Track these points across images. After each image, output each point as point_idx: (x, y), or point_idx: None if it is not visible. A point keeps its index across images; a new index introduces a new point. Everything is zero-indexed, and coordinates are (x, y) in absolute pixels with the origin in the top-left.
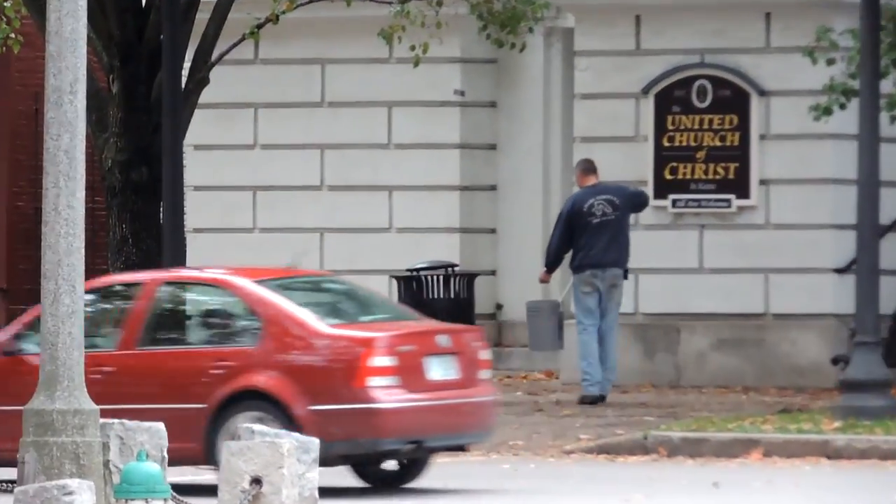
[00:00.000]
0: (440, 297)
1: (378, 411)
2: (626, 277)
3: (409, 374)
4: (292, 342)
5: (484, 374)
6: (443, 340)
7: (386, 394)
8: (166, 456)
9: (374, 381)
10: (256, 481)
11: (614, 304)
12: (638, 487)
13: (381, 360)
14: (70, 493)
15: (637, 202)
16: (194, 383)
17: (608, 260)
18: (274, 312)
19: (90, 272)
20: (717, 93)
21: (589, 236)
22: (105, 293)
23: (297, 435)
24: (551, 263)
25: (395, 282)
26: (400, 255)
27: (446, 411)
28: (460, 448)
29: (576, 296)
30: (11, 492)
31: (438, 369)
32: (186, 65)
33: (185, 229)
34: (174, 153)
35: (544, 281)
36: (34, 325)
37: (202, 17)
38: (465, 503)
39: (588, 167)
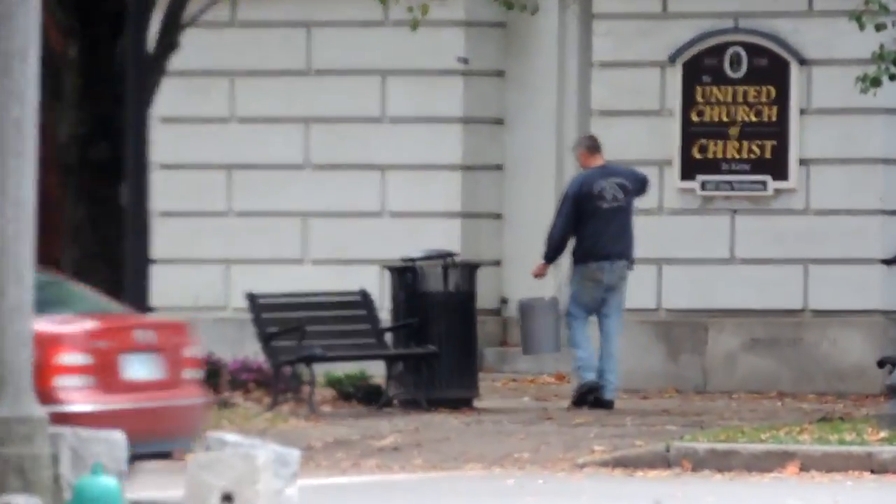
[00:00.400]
0: (438, 290)
1: (67, 415)
2: (631, 269)
3: (103, 373)
4: None
5: (192, 373)
6: (144, 336)
7: (76, 395)
8: (126, 469)
9: (62, 382)
10: (227, 498)
11: (622, 300)
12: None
13: (71, 358)
14: None
15: (644, 188)
16: None
17: (617, 251)
18: None
19: (41, 261)
20: (753, 62)
21: (597, 223)
22: None
23: (275, 446)
24: (553, 254)
25: (387, 273)
26: (394, 244)
27: (146, 415)
28: (164, 455)
29: (576, 289)
30: None
31: (138, 368)
32: (154, 27)
33: (151, 213)
34: (139, 127)
35: (540, 274)
36: None
37: None
38: None
39: (593, 145)
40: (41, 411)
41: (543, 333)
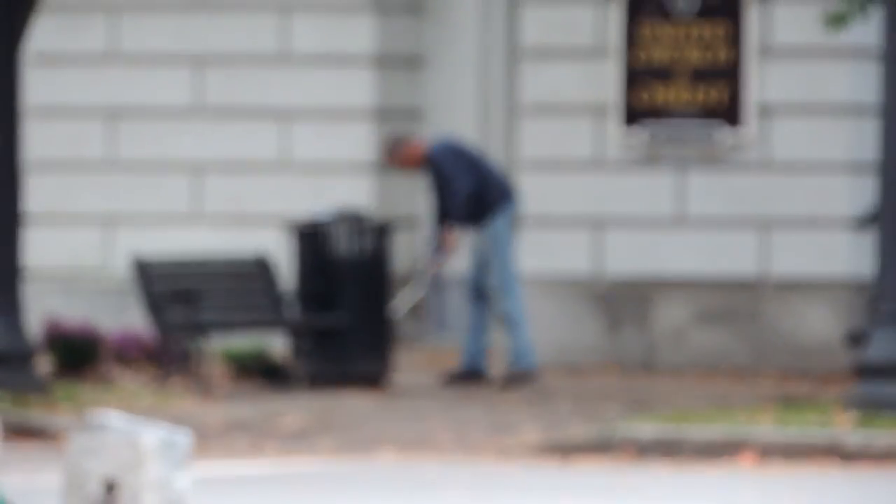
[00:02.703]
0: (347, 253)
1: None
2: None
3: None
4: None
5: None
6: None
7: None
8: None
9: None
10: (110, 487)
11: None
12: (595, 498)
13: None
14: None
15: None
16: None
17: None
18: None
19: None
20: None
21: (488, 168)
22: None
23: (163, 429)
24: (464, 217)
25: (290, 234)
26: (298, 200)
27: None
28: None
29: (503, 241)
30: None
31: None
32: None
33: (23, 163)
34: (8, 66)
35: (449, 248)
36: None
37: None
38: None
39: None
40: None
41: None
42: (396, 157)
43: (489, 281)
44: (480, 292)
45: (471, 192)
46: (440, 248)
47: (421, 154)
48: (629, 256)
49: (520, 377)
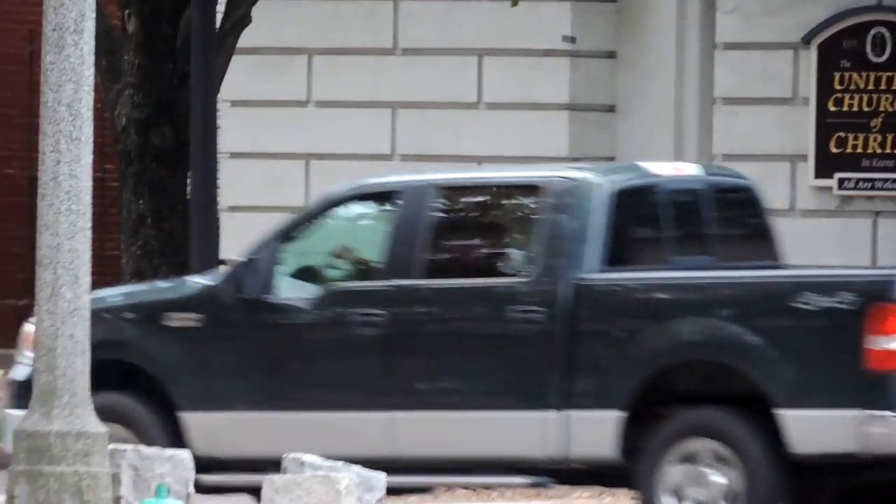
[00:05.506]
0: None
1: None
2: None
3: None
4: None
5: None
6: None
7: None
8: (192, 491)
9: None
10: None
11: None
12: None
13: None
14: None
15: None
16: None
17: None
18: None
19: (98, 260)
20: None
21: None
22: None
23: (358, 468)
24: None
25: None
26: None
27: None
28: None
29: None
30: None
31: None
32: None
33: (218, 206)
34: (205, 111)
35: None
36: None
37: None
38: None
39: None
40: (100, 426)
41: None
42: None
43: None
44: None
45: None
46: None
47: None
48: None
49: None
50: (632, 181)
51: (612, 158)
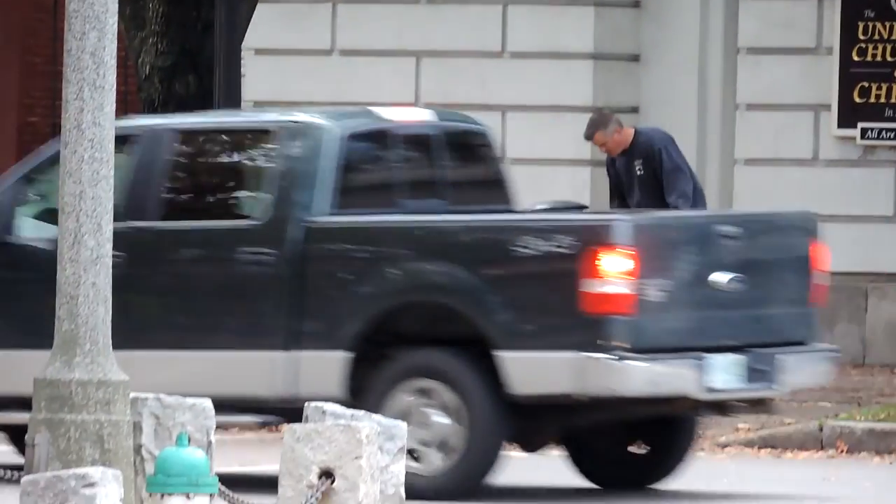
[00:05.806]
0: None
1: None
2: None
3: None
4: None
5: None
6: None
7: None
8: (213, 440)
9: None
10: (327, 474)
11: None
12: (810, 490)
13: None
14: (91, 485)
15: None
16: None
17: None
18: None
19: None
20: None
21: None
22: None
23: (379, 417)
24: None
25: None
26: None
27: None
28: None
29: None
30: (17, 481)
31: None
32: None
33: None
34: (230, 59)
35: None
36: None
37: None
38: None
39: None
40: (121, 374)
41: None
42: (603, 135)
43: None
44: None
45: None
46: None
47: (631, 138)
48: (844, 253)
49: None
50: (362, 126)
51: (635, 108)
